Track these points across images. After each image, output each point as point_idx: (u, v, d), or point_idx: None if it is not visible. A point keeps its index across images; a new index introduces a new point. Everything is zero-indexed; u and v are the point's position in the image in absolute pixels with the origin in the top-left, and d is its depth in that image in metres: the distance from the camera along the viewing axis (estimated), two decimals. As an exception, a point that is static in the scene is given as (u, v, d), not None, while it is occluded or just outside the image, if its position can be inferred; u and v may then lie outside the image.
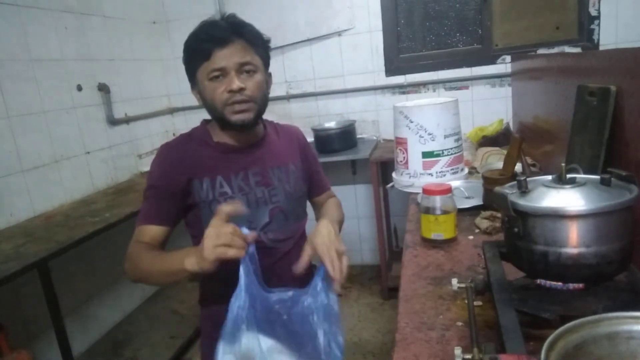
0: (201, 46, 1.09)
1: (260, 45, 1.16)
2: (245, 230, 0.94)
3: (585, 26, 2.83)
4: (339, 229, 1.21)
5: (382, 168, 2.92)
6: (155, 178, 1.16)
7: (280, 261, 1.21)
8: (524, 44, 2.97)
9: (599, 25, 2.80)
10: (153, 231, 1.14)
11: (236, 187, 1.16)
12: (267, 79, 1.21)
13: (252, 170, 1.19)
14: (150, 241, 1.13)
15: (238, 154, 1.19)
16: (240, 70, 1.11)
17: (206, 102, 1.15)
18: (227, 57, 1.09)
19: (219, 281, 1.05)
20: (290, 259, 1.20)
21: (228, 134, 1.18)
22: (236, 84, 1.09)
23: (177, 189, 1.14)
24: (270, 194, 1.19)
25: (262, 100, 1.17)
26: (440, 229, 1.31)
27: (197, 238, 1.20)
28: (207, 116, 1.24)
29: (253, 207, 1.17)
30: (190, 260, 0.94)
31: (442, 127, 1.76)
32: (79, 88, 2.59)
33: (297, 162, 1.28)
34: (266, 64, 1.19)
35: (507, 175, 1.46)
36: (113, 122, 2.83)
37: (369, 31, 3.12)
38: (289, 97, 3.33)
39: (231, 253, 0.89)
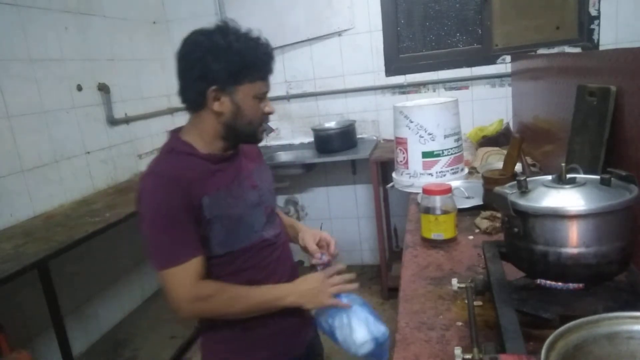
0: (264, 66, 1.12)
1: None
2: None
3: (585, 26, 2.83)
4: None
5: (382, 168, 2.92)
6: (167, 208, 1.04)
7: (280, 251, 1.26)
8: (524, 44, 2.96)
9: (599, 25, 2.80)
10: (198, 265, 1.07)
11: (236, 195, 1.15)
12: None
13: (242, 175, 1.19)
14: (199, 277, 1.07)
15: (227, 162, 1.18)
16: None
17: (240, 115, 1.11)
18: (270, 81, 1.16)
19: (216, 277, 1.13)
20: (285, 248, 1.31)
21: (222, 143, 1.15)
22: (274, 109, 1.18)
23: (190, 211, 1.06)
24: (260, 194, 1.21)
25: None
26: (440, 229, 1.31)
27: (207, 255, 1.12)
28: None
29: (250, 210, 1.18)
30: (292, 300, 1.14)
31: (442, 127, 1.76)
32: (79, 88, 2.59)
33: (262, 159, 1.35)
34: None
35: (507, 175, 1.46)
36: (113, 122, 2.83)
37: (369, 31, 3.12)
38: (289, 97, 3.33)
39: (332, 302, 1.15)
